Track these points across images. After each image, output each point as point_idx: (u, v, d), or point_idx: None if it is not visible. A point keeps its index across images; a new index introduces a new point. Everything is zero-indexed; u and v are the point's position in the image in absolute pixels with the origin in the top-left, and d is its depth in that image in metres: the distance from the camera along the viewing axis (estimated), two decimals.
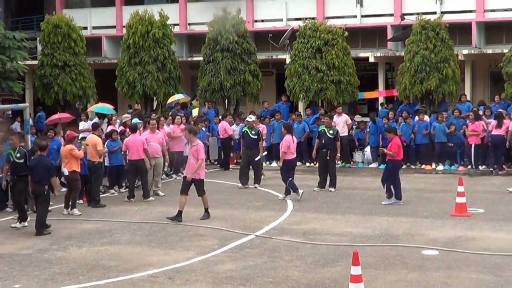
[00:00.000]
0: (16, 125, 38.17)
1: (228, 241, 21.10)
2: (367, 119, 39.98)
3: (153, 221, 24.19)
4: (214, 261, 19.00)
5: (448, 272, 17.42)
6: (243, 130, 32.54)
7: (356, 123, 39.13)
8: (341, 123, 36.13)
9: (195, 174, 24.20)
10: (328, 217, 24.52)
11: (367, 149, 38.12)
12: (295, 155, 29.30)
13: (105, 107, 39.02)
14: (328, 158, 30.20)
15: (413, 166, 36.05)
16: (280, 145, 29.10)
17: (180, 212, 23.95)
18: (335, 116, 36.10)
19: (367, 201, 27.76)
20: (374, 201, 27.61)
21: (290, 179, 28.36)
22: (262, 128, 34.33)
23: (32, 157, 24.03)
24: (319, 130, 31.49)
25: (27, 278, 17.73)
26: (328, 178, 30.21)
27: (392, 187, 27.07)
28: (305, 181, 32.24)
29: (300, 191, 27.93)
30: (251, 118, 33.00)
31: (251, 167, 31.62)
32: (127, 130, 31.04)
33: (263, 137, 32.90)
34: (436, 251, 19.54)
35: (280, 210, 25.85)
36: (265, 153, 33.08)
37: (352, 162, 38.12)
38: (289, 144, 28.46)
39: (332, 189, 29.88)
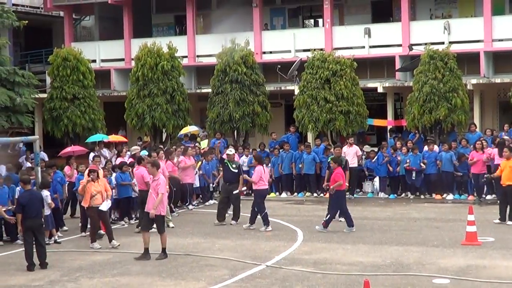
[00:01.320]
0: (23, 159, 37.93)
1: (239, 271, 21.09)
2: (375, 149, 40.02)
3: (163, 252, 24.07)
4: None
5: None
6: (224, 162, 30.54)
7: (365, 153, 39.12)
8: (352, 154, 36.09)
9: (156, 209, 23.32)
10: (338, 246, 24.50)
11: (376, 179, 38.15)
12: (267, 186, 29.72)
13: (100, 135, 39.63)
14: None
15: (423, 196, 35.99)
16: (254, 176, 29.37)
17: (146, 250, 23.26)
18: (346, 147, 36.17)
19: (377, 230, 27.74)
20: (384, 230, 27.63)
21: (266, 211, 28.50)
22: (237, 159, 33.31)
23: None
24: (329, 160, 31.51)
25: None
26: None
27: (344, 216, 28.02)
28: (314, 211, 32.34)
29: (269, 228, 28.18)
30: (231, 151, 31.74)
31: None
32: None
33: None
34: (447, 279, 19.51)
35: (290, 240, 25.82)
36: (244, 188, 31.67)
37: (361, 192, 38.04)
38: (260, 174, 28.78)
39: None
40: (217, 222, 29.65)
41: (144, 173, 27.88)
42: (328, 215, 27.82)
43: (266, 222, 28.38)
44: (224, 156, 30.90)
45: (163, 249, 23.20)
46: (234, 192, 29.93)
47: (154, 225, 24.02)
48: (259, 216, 28.38)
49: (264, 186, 29.02)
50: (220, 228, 28.19)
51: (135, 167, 29.51)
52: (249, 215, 28.78)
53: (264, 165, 30.54)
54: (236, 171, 29.99)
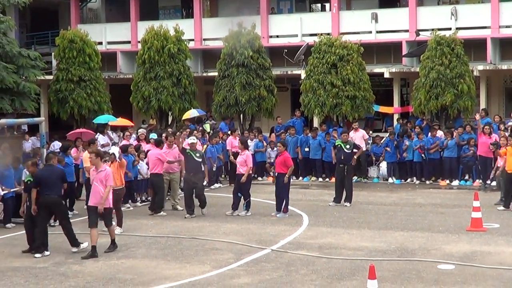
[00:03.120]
0: (34, 142, 37.70)
1: (244, 255, 21.15)
2: (382, 134, 40.09)
3: (168, 235, 24.17)
4: (230, 275, 19.03)
5: (464, 287, 17.44)
6: (187, 152, 28.63)
7: (371, 138, 39.16)
8: (358, 138, 36.11)
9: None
10: (343, 231, 24.54)
11: (383, 164, 38.20)
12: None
13: (108, 116, 40.41)
14: (345, 173, 30.27)
15: (428, 182, 36.01)
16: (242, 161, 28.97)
17: (94, 248, 21.69)
18: (352, 132, 36.21)
19: (382, 215, 27.78)
20: (390, 215, 27.68)
21: (249, 199, 28.69)
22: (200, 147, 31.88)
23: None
24: (336, 144, 31.55)
25: None
26: (344, 193, 30.27)
27: (284, 201, 27.92)
28: (320, 196, 32.47)
29: (249, 213, 28.35)
30: (193, 139, 29.53)
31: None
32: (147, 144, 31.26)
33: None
34: (452, 265, 19.53)
35: (295, 224, 25.88)
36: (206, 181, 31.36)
37: (368, 177, 38.13)
38: (246, 159, 28.83)
39: (348, 204, 29.89)
40: (188, 216, 27.98)
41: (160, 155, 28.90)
42: (285, 202, 27.99)
43: (248, 207, 28.50)
44: (186, 145, 29.53)
45: (112, 241, 22.34)
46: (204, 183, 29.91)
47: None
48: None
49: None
50: (226, 210, 28.21)
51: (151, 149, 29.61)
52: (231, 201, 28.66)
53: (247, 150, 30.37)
54: (200, 160, 28.86)
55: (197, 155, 28.33)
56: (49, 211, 22.53)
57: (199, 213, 27.92)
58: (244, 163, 28.67)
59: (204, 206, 28.38)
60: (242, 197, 28.49)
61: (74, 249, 22.05)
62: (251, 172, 29.25)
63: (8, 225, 26.26)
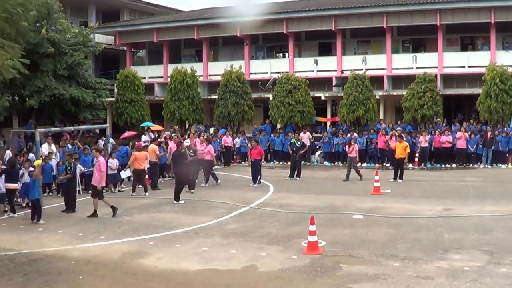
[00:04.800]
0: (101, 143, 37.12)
1: (233, 210, 21.31)
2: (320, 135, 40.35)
3: (185, 199, 24.14)
4: (224, 223, 19.25)
5: (368, 228, 17.70)
6: (179, 152, 25.76)
7: (313, 137, 39.32)
8: (305, 138, 36.12)
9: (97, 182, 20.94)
10: (295, 195, 24.69)
11: (317, 153, 38.47)
12: (213, 158, 29.42)
13: (149, 123, 41.36)
14: (296, 159, 30.51)
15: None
16: (207, 152, 28.61)
17: (95, 211, 20.77)
18: (301, 133, 36.34)
19: (319, 185, 27.93)
20: (323, 186, 27.81)
21: (210, 174, 28.58)
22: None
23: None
24: (291, 141, 31.78)
25: (108, 233, 17.97)
26: (296, 172, 30.48)
27: (258, 177, 27.94)
28: (281, 173, 32.46)
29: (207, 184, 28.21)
30: (187, 142, 27.75)
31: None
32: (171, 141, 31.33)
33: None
34: (362, 215, 19.81)
35: (265, 191, 25.97)
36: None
37: (310, 162, 38.25)
38: (210, 150, 28.71)
39: (298, 178, 30.06)
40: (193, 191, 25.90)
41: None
42: (259, 177, 28.06)
43: (207, 180, 28.31)
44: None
45: (95, 211, 20.69)
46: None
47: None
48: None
49: (211, 158, 28.89)
50: (223, 184, 28.27)
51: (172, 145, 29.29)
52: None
53: (210, 144, 30.00)
54: (193, 154, 26.88)
55: (191, 151, 26.78)
56: None
57: (203, 186, 28.00)
58: (208, 153, 28.71)
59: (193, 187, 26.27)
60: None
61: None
62: (213, 158, 29.25)
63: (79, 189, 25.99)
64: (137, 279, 13.19)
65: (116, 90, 45.97)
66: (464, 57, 43.04)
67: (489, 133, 34.87)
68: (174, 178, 25.69)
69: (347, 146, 30.61)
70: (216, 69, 47.49)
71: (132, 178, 27.53)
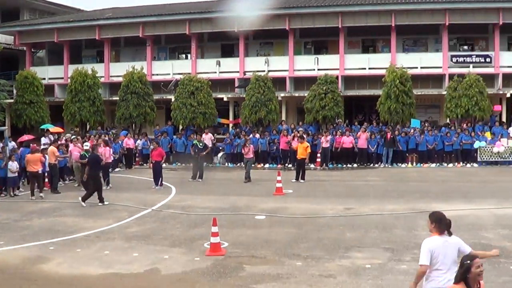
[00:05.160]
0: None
1: (135, 213, 20.93)
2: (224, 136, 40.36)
3: (88, 202, 23.63)
4: (125, 226, 18.87)
5: (271, 229, 17.71)
6: (82, 154, 26.73)
7: (215, 139, 39.24)
8: (207, 139, 36.12)
9: None
10: (197, 197, 24.49)
11: (220, 155, 38.45)
12: (111, 160, 29.49)
13: (49, 125, 39.90)
14: (199, 160, 30.37)
15: (253, 165, 36.26)
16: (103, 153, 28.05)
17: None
18: (204, 135, 36.24)
19: (221, 186, 27.85)
20: (226, 186, 27.74)
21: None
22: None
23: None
24: (193, 143, 31.64)
25: (7, 238, 17.35)
26: (198, 173, 30.33)
27: (160, 179, 27.79)
28: (183, 175, 32.34)
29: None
30: (87, 145, 27.36)
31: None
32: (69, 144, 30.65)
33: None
34: (264, 216, 19.80)
35: (167, 193, 25.70)
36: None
37: (213, 163, 38.16)
38: (105, 152, 28.33)
39: (200, 180, 29.93)
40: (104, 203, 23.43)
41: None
42: (160, 179, 27.82)
43: (107, 183, 27.62)
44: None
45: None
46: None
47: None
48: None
49: (110, 160, 29.12)
50: (125, 186, 27.93)
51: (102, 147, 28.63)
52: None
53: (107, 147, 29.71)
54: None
55: (88, 153, 25.66)
56: None
57: (108, 188, 27.54)
58: (108, 153, 28.69)
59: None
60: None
61: None
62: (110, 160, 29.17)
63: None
64: (37, 285, 12.78)
65: (15, 91, 44.73)
66: (365, 59, 44.00)
67: (388, 134, 35.67)
68: (89, 181, 24.58)
69: (243, 147, 30.59)
70: (118, 70, 46.87)
71: (28, 182, 26.82)
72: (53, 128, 39.73)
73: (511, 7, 41.19)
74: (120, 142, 36.67)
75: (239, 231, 17.52)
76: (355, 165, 35.90)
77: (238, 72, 45.56)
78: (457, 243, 8.66)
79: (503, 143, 35.14)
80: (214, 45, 48.83)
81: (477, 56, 43.00)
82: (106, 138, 33.56)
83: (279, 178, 25.37)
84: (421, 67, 42.83)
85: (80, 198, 23.03)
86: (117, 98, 43.14)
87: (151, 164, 28.68)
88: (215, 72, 45.82)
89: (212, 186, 28.03)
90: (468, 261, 7.14)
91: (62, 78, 49.35)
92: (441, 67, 42.75)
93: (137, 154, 38.74)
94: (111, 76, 48.53)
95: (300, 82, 44.50)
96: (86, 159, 24.95)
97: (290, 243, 15.78)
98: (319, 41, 46.85)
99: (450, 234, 8.69)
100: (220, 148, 38.95)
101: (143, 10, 49.91)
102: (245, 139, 32.96)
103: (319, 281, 12.47)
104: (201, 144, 31.11)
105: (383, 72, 39.28)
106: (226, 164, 37.81)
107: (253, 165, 34.44)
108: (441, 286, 8.31)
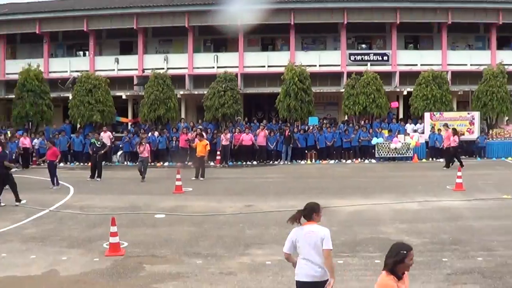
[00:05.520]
0: None
1: (32, 214, 20.42)
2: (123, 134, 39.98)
3: None
4: (22, 227, 18.39)
5: (171, 227, 17.69)
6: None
7: (113, 137, 38.80)
8: (106, 137, 35.71)
9: None
10: (96, 197, 24.13)
11: (119, 153, 38.10)
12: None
13: None
14: (97, 159, 29.97)
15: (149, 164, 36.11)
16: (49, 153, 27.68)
17: None
18: (102, 133, 35.82)
19: (121, 186, 27.60)
20: (125, 186, 27.48)
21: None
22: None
23: None
24: (91, 142, 31.25)
25: None
26: (96, 172, 29.94)
27: (55, 178, 27.25)
28: (81, 175, 31.79)
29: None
30: None
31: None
32: None
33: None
34: (164, 215, 19.77)
35: (65, 193, 25.15)
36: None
37: (111, 162, 37.69)
38: (55, 152, 27.76)
39: (99, 179, 29.52)
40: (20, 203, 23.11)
41: None
42: (55, 178, 27.31)
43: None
44: None
45: None
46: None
47: None
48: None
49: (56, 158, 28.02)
50: (20, 186, 27.05)
51: None
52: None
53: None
54: None
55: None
56: None
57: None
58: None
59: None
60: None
61: None
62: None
63: None
64: None
65: None
66: (264, 57, 44.46)
67: (287, 131, 36.18)
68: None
69: (138, 146, 30.31)
70: (14, 67, 45.51)
71: None
72: None
73: (407, 6, 42.65)
74: (16, 141, 35.78)
75: (139, 230, 17.42)
76: (254, 162, 36.26)
77: (137, 69, 45.17)
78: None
79: (400, 139, 36.34)
80: (112, 42, 48.21)
81: (374, 54, 44.26)
82: (2, 137, 32.73)
83: (178, 176, 25.34)
84: (320, 65, 43.72)
85: None
86: (13, 96, 42.03)
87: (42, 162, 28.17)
88: (114, 70, 45.28)
89: (111, 185, 27.74)
90: (405, 251, 7.11)
91: None
92: (339, 65, 43.74)
93: (33, 154, 37.87)
94: (6, 74, 47.13)
95: (200, 80, 44.54)
96: None
97: (190, 242, 15.83)
98: (218, 39, 46.96)
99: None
100: (120, 146, 38.54)
101: (40, 6, 48.68)
102: (140, 138, 32.57)
103: (220, 279, 12.57)
104: (99, 143, 30.72)
105: (282, 70, 39.84)
106: (125, 163, 37.47)
107: (151, 164, 34.37)
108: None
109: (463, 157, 34.25)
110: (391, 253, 7.14)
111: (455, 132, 32.25)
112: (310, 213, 9.11)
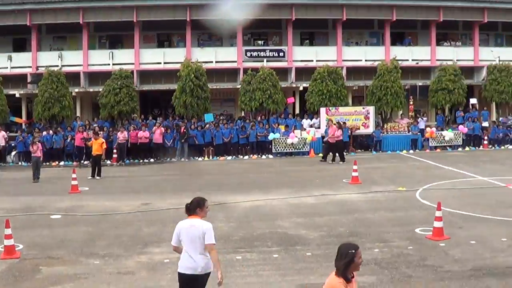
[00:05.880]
0: None
1: None
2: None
3: None
4: None
5: (67, 228, 17.53)
6: None
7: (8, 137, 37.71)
8: (0, 137, 34.82)
9: None
10: None
11: (13, 153, 37.16)
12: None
13: None
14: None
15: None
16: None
17: None
18: None
19: (15, 187, 26.88)
20: (20, 187, 26.78)
21: None
22: None
23: None
24: None
25: None
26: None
27: None
28: None
29: None
30: None
31: None
32: None
33: None
34: (60, 215, 19.53)
35: None
36: None
37: (6, 162, 36.63)
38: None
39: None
40: None
41: None
42: None
43: None
44: None
45: None
46: None
47: None
48: None
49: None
50: None
51: None
52: None
53: None
54: None
55: None
56: None
57: None
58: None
59: None
60: None
61: None
62: None
63: None
64: None
65: None
66: (160, 53, 44.32)
67: (182, 128, 36.21)
68: None
69: (31, 145, 29.67)
70: None
71: None
72: None
73: (302, 3, 43.47)
74: None
75: (35, 232, 17.17)
76: (151, 160, 36.16)
77: (30, 67, 44.09)
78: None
79: (297, 134, 37.06)
80: (5, 39, 46.84)
81: (270, 50, 44.87)
82: None
83: (74, 175, 25.01)
84: (216, 62, 43.97)
85: None
86: None
87: None
88: (7, 68, 44.08)
89: (4, 187, 27.02)
90: (353, 250, 7.02)
91: None
92: (236, 62, 44.09)
93: None
94: None
95: (95, 77, 43.90)
96: None
97: (87, 242, 15.76)
98: (114, 36, 46.47)
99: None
100: (13, 145, 37.56)
101: None
102: (33, 137, 31.83)
103: (118, 278, 12.61)
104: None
105: (178, 66, 39.87)
106: (20, 163, 36.59)
107: (46, 164, 33.77)
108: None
109: (359, 150, 35.30)
110: (340, 255, 7.06)
111: (339, 126, 33.34)
112: (195, 207, 9.37)
